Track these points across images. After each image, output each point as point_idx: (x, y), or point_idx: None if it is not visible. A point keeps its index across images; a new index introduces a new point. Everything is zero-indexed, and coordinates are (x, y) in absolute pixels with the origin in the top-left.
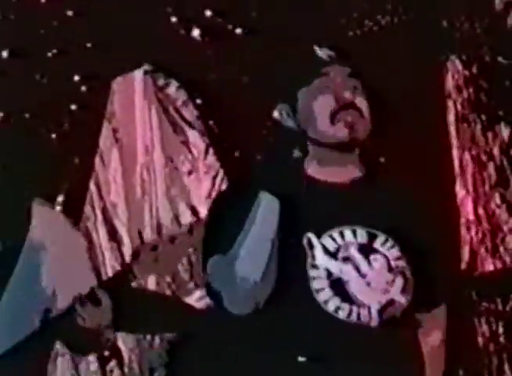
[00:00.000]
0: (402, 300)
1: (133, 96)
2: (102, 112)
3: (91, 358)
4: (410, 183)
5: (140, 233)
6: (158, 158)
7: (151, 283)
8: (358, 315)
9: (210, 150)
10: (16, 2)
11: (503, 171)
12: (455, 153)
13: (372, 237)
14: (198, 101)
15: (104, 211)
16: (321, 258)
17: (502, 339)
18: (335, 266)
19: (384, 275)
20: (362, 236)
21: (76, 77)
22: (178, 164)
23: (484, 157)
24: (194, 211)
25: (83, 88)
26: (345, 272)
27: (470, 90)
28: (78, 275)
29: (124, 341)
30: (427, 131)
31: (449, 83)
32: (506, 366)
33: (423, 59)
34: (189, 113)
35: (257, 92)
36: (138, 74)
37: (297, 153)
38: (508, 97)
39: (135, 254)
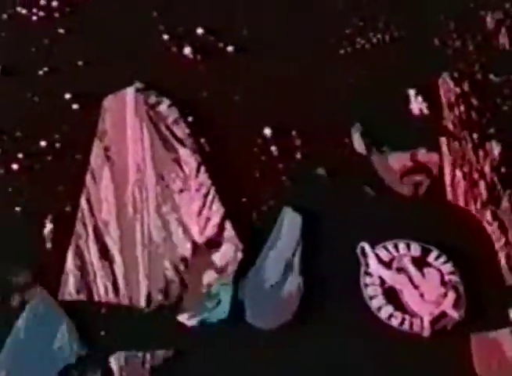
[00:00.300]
0: (454, 314)
1: (125, 114)
2: (93, 130)
3: None
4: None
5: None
6: (149, 176)
7: (142, 300)
8: (411, 324)
9: (202, 168)
10: (7, 20)
11: (494, 188)
12: (446, 170)
13: (425, 252)
14: (189, 119)
15: (96, 229)
16: (375, 267)
17: None
18: (389, 275)
19: (437, 288)
20: (415, 249)
21: (67, 95)
22: (169, 182)
23: (475, 175)
24: (186, 229)
25: (74, 106)
26: (399, 281)
27: (462, 108)
28: None
29: (116, 359)
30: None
31: (442, 100)
32: None
33: (415, 77)
34: (181, 131)
35: (248, 109)
36: (129, 91)
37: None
38: (499, 115)
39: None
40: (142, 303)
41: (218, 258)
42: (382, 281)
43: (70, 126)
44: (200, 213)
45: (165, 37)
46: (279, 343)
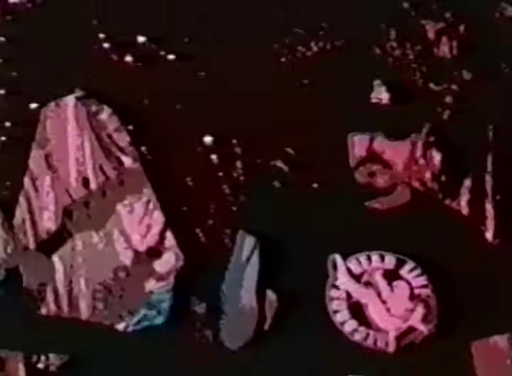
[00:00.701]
0: (422, 328)
1: (66, 122)
2: (32, 137)
3: None
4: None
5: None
6: (91, 185)
7: (83, 311)
8: (375, 339)
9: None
10: None
11: (435, 197)
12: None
13: (400, 264)
14: (130, 127)
15: (36, 237)
16: (343, 280)
17: None
18: (356, 289)
19: (405, 302)
20: (389, 261)
21: (7, 103)
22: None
23: (416, 184)
24: (127, 238)
25: (14, 114)
26: (365, 296)
27: None
28: None
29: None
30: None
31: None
32: None
33: (356, 85)
34: (122, 139)
35: (189, 117)
36: (70, 100)
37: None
38: (439, 123)
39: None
40: (84, 313)
41: (158, 266)
42: (348, 295)
43: (7, 137)
44: (141, 221)
45: (106, 45)
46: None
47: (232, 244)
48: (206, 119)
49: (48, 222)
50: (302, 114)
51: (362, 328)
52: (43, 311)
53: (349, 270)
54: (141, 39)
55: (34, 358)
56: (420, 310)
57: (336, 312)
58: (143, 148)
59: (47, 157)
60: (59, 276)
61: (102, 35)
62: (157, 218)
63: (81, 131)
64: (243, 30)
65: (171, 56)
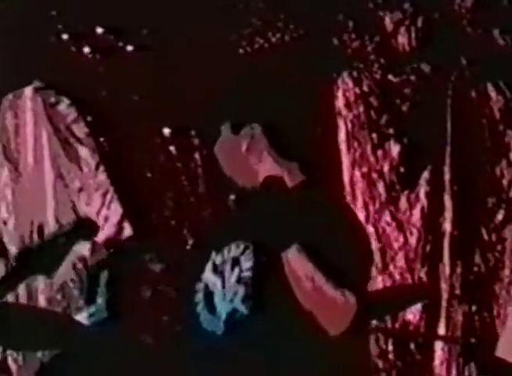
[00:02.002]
0: (242, 309)
1: (24, 113)
2: None
3: None
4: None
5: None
6: (48, 175)
7: (41, 300)
8: (212, 324)
9: (101, 167)
10: None
11: (393, 188)
12: (345, 170)
13: (244, 250)
14: (89, 118)
15: None
16: (206, 273)
17: (391, 356)
18: (211, 280)
19: (234, 285)
20: (238, 248)
21: None
22: (68, 180)
23: (374, 175)
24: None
25: None
26: (214, 285)
27: (361, 108)
28: None
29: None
30: (318, 148)
31: (340, 100)
32: None
33: (314, 76)
34: (80, 130)
35: (147, 109)
36: (28, 91)
37: None
38: (398, 115)
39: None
40: (41, 302)
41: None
42: (206, 287)
43: None
44: (98, 213)
45: (64, 36)
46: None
47: (190, 234)
48: (164, 111)
49: (6, 213)
50: (261, 105)
51: (209, 316)
52: None
53: (214, 263)
54: (99, 30)
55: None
56: (241, 292)
57: (197, 303)
58: (101, 139)
59: (4, 148)
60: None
61: (60, 26)
62: (115, 209)
63: (39, 122)
64: (202, 22)
65: (129, 47)
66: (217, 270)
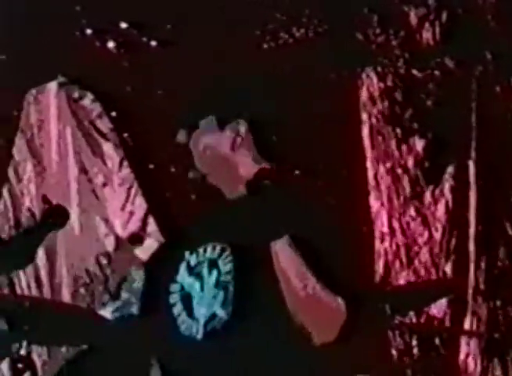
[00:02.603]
0: (221, 313)
1: (48, 108)
2: (16, 124)
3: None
4: (324, 195)
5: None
6: (72, 170)
7: (66, 294)
8: (191, 328)
9: (125, 163)
10: None
11: (418, 184)
12: (369, 165)
13: (221, 253)
14: (113, 113)
15: (18, 224)
16: (181, 274)
17: (416, 351)
18: (188, 281)
19: (212, 289)
20: (214, 251)
21: None
22: (92, 176)
23: (398, 170)
24: (108, 224)
25: None
26: (192, 287)
27: (385, 103)
28: None
29: (38, 354)
30: (342, 143)
31: (364, 95)
32: None
33: (339, 71)
34: (104, 125)
35: (171, 104)
36: (52, 86)
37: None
38: (422, 110)
39: None
40: (66, 298)
41: (140, 252)
42: (182, 288)
43: None
44: (123, 208)
45: (88, 31)
46: None
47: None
48: (189, 106)
49: (30, 208)
50: (284, 100)
51: (187, 319)
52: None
53: (188, 263)
54: (123, 25)
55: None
56: (220, 296)
57: (173, 306)
58: (125, 134)
59: (29, 142)
60: (42, 262)
61: (84, 21)
62: (139, 204)
63: (63, 117)
64: (226, 17)
65: (153, 43)
66: (192, 272)
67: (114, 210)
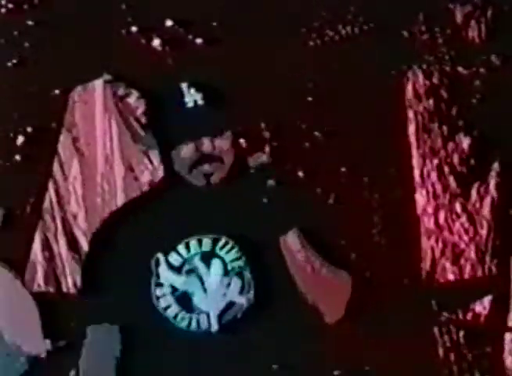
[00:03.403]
0: (241, 301)
1: (93, 106)
2: (61, 122)
3: None
4: (371, 192)
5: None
6: (118, 168)
7: None
8: (198, 322)
9: None
10: None
11: (464, 181)
12: (415, 163)
13: (215, 243)
14: None
15: (64, 221)
16: (165, 275)
17: (462, 348)
18: (179, 281)
19: (221, 279)
20: (206, 243)
21: (35, 87)
22: (138, 173)
23: (445, 168)
24: None
25: (42, 98)
26: (190, 284)
27: (431, 100)
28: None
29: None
30: (389, 141)
31: (410, 93)
32: None
33: (384, 69)
34: (150, 122)
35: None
36: (98, 83)
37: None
38: (467, 107)
39: None
40: None
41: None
42: (173, 289)
43: (38, 118)
44: None
45: (134, 29)
46: None
47: None
48: (233, 103)
49: (75, 206)
50: (329, 99)
51: (185, 314)
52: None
53: (169, 264)
54: (169, 23)
55: None
56: (235, 283)
57: (166, 308)
58: None
59: (74, 141)
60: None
61: (130, 19)
62: None
63: (109, 114)
64: (272, 14)
65: (198, 40)
66: (181, 270)
67: None
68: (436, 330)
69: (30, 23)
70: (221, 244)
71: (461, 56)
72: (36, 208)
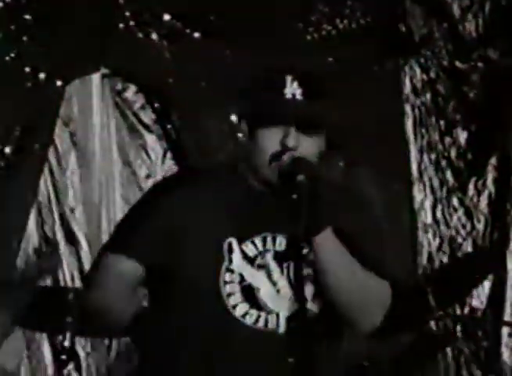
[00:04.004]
0: (312, 307)
1: (91, 100)
2: (58, 115)
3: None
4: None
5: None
6: (115, 162)
7: None
8: (266, 321)
9: (168, 154)
10: None
11: (461, 175)
12: (413, 157)
13: (290, 245)
14: (156, 105)
15: (62, 214)
16: (238, 263)
17: (459, 343)
18: (249, 272)
19: (294, 282)
20: (280, 243)
21: (33, 81)
22: (135, 168)
23: (442, 162)
24: None
25: (39, 91)
26: (257, 278)
27: (428, 94)
28: None
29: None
30: (386, 135)
31: (407, 87)
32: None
33: (381, 63)
34: (147, 117)
35: (214, 95)
36: (95, 77)
37: None
38: (465, 102)
39: None
40: None
41: None
42: (242, 278)
43: (34, 112)
44: None
45: (132, 23)
46: None
47: None
48: (232, 97)
49: (73, 200)
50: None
51: (253, 311)
52: None
53: (244, 253)
54: (166, 17)
55: None
56: (309, 289)
57: (229, 295)
58: (169, 126)
59: (72, 134)
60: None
61: (128, 13)
62: None
63: (106, 108)
64: (268, 8)
65: (196, 34)
66: (253, 262)
67: None
68: (433, 324)
69: (27, 17)
70: (296, 247)
71: (458, 50)
72: None
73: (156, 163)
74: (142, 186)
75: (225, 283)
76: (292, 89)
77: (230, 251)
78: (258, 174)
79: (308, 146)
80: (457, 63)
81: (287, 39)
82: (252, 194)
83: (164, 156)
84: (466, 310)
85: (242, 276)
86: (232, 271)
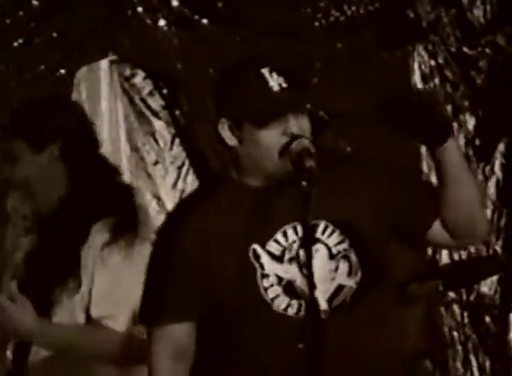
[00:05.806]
0: (349, 283)
1: (99, 86)
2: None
3: None
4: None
5: None
6: (124, 148)
7: None
8: (307, 309)
9: (176, 140)
10: None
11: (469, 161)
12: None
13: (312, 229)
14: (164, 91)
15: None
16: (269, 266)
17: (467, 329)
18: (282, 270)
19: (327, 263)
20: (303, 231)
21: (41, 67)
22: (143, 154)
23: None
24: (160, 202)
25: (49, 78)
26: (292, 272)
27: (436, 81)
28: None
29: None
30: None
31: (416, 73)
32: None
33: (390, 49)
34: (156, 103)
35: None
36: (104, 63)
37: None
38: (473, 88)
39: None
40: None
41: None
42: (279, 278)
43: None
44: (174, 185)
45: (140, 9)
46: None
47: None
48: None
49: None
50: (334, 78)
51: (293, 301)
52: None
53: (271, 254)
54: (174, 3)
55: None
56: (343, 266)
57: (274, 299)
58: (177, 112)
59: None
60: None
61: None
62: (191, 182)
63: (115, 94)
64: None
65: (204, 21)
66: (283, 259)
67: (166, 188)
68: (442, 309)
69: (34, 3)
70: (320, 229)
71: (466, 36)
72: None
73: (165, 149)
74: (150, 172)
75: (266, 289)
76: (275, 80)
77: (257, 257)
78: (266, 173)
79: (304, 127)
80: (465, 49)
81: (296, 25)
82: (254, 194)
83: (172, 142)
84: (474, 296)
85: (278, 277)
86: (267, 276)
